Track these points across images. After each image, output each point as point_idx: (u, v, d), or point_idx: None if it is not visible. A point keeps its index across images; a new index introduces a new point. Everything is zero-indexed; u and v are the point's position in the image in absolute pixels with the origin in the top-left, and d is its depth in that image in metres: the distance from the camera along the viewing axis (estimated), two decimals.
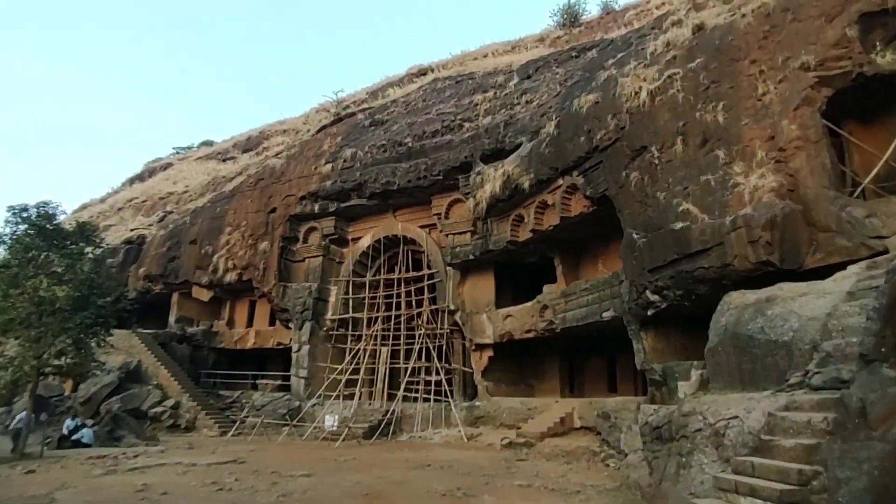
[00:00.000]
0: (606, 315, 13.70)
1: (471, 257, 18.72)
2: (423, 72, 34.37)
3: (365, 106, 29.02)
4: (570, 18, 28.97)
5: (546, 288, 17.28)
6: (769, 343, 7.29)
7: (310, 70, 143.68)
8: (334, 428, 18.56)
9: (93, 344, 13.99)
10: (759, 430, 6.16)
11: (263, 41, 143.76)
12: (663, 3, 25.27)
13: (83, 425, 15.89)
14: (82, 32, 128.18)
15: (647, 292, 11.44)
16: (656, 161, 11.42)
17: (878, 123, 9.84)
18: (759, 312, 7.76)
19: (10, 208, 13.18)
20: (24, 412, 14.60)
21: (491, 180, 16.48)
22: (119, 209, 41.06)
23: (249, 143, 49.38)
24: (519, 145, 16.84)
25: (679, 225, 10.46)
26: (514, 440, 14.97)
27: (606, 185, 12.90)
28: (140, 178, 55.08)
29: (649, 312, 11.80)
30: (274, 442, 16.77)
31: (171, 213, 34.79)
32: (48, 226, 13.46)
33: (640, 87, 12.08)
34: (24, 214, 13.35)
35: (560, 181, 14.80)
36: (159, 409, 20.33)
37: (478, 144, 18.30)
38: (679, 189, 10.71)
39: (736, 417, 6.70)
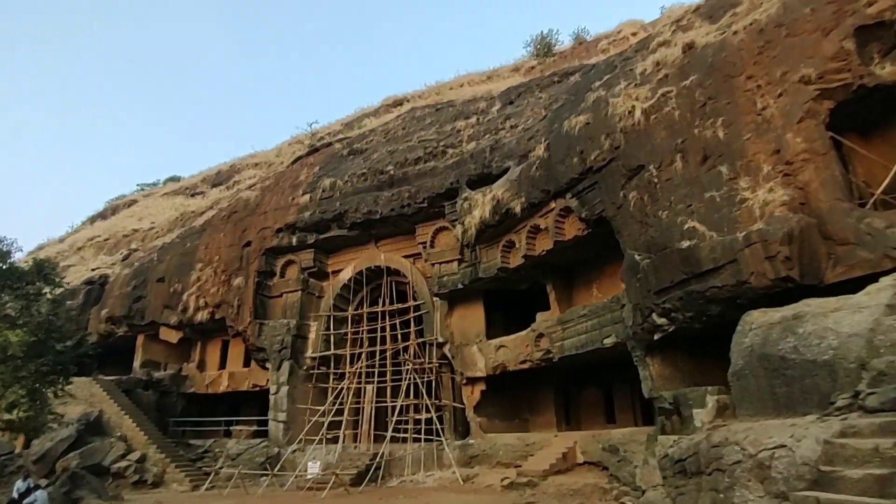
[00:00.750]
0: (608, 342, 13.18)
1: (459, 286, 18.11)
2: (398, 102, 34.37)
3: (341, 136, 28.55)
4: (544, 48, 29.43)
5: (539, 316, 16.72)
6: (806, 363, 6.84)
7: (281, 103, 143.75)
8: (318, 475, 17.34)
9: (49, 394, 12.69)
10: (815, 460, 5.62)
11: (231, 74, 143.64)
12: (635, 33, 26.02)
13: (36, 486, 14.27)
14: (34, 58, 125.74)
15: (654, 315, 10.99)
16: (655, 180, 11.16)
17: (878, 136, 9.80)
18: (789, 331, 7.34)
19: None
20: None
21: (480, 205, 16.06)
22: (79, 248, 39.17)
23: (219, 178, 48.32)
24: (506, 170, 16.54)
25: (686, 244, 10.12)
26: (515, 480, 14.11)
27: (603, 207, 12.58)
28: (102, 216, 53.09)
29: (656, 337, 11.33)
30: (253, 495, 15.43)
31: (135, 251, 33.29)
32: (1, 265, 12.31)
33: (633, 106, 11.94)
34: None
35: (552, 204, 14.47)
36: (123, 463, 18.66)
37: (464, 170, 17.95)
38: (682, 207, 10.42)
39: (783, 447, 6.15)
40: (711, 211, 9.97)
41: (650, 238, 11.10)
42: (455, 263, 18.81)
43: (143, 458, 19.05)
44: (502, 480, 14.39)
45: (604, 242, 14.44)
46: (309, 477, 17.40)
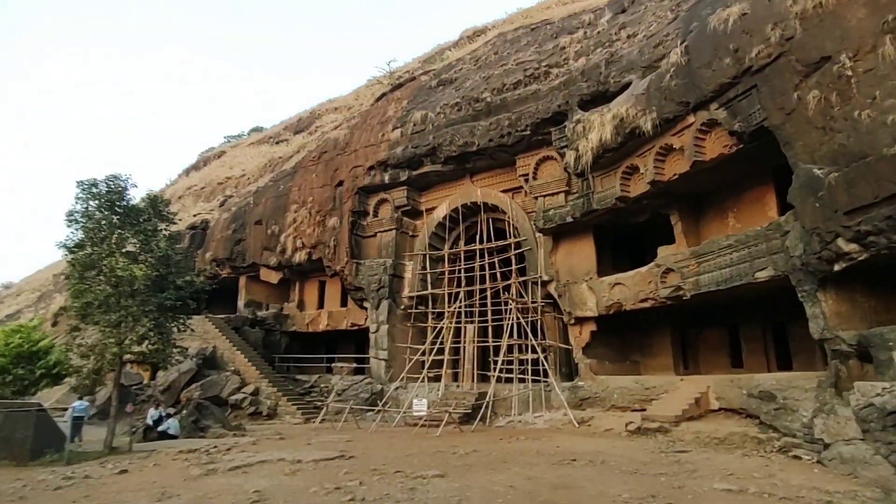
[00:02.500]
0: (761, 275, 11.34)
1: (568, 220, 16.60)
2: (478, 32, 32.08)
3: (425, 70, 27.01)
4: None
5: (662, 250, 14.98)
6: None
7: (354, 47, 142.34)
8: (424, 413, 17.10)
9: (173, 328, 12.84)
10: None
11: (304, 20, 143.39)
12: None
13: (167, 415, 14.99)
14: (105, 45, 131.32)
15: (839, 241, 9.05)
16: (849, 72, 8.90)
17: None
18: None
19: (80, 183, 12.06)
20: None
21: (598, 127, 14.23)
22: (179, 197, 41.09)
23: (301, 125, 48.78)
24: (627, 85, 14.47)
25: None
26: (642, 425, 12.96)
27: (765, 115, 10.45)
28: (195, 167, 55.55)
29: (836, 267, 9.42)
30: (366, 430, 15.44)
31: (230, 197, 34.24)
32: (120, 202, 12.27)
33: None
34: (95, 190, 12.20)
35: (691, 118, 12.40)
36: (239, 395, 19.45)
37: (573, 90, 16.00)
38: (894, 102, 8.19)
39: None
40: None
41: (839, 146, 8.99)
42: (561, 196, 17.29)
43: (256, 391, 19.74)
44: (627, 425, 13.31)
45: (752, 162, 12.35)
46: (416, 414, 17.20)
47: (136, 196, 13.07)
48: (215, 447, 11.53)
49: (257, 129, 61.51)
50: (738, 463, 8.44)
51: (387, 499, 6.42)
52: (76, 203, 12.01)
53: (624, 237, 18.44)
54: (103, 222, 11.91)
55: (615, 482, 7.16)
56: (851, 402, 8.19)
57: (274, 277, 25.39)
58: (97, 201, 12.16)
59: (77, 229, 11.96)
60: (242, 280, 27.13)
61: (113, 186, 12.37)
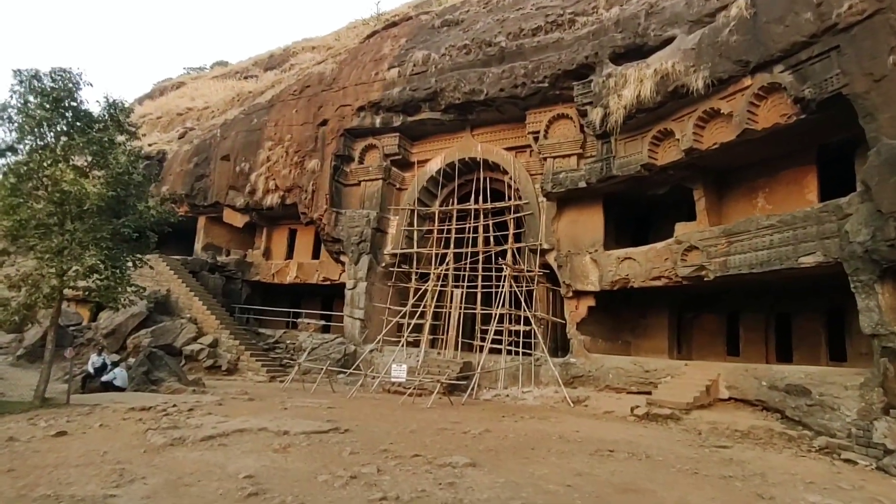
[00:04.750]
0: (807, 260, 10.36)
1: (581, 185, 15.28)
2: None
3: (422, 11, 24.62)
4: None
5: (681, 226, 13.96)
6: None
7: None
8: (403, 379, 15.74)
9: (128, 263, 10.71)
10: None
11: None
12: None
13: (113, 364, 12.93)
14: None
15: None
16: None
17: None
18: None
19: (17, 73, 9.53)
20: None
21: (634, 83, 12.78)
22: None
23: (272, 62, 45.10)
24: (669, 40, 13.00)
25: None
26: (651, 411, 12.04)
27: (846, 80, 9.24)
28: (150, 96, 50.87)
29: None
30: (343, 395, 13.93)
31: (192, 129, 31.00)
32: (69, 102, 9.87)
33: None
34: (36, 84, 9.72)
35: (748, 80, 11.13)
36: (195, 346, 17.44)
37: (605, 41, 14.40)
38: None
39: None
40: None
41: None
42: (573, 159, 15.97)
43: (215, 342, 17.79)
44: (633, 409, 12.37)
45: (797, 139, 11.30)
46: (394, 380, 15.80)
47: (90, 100, 10.72)
48: (174, 406, 9.72)
49: (222, 63, 56.86)
50: (801, 466, 7.48)
51: (424, 497, 4.94)
52: (11, 97, 9.52)
53: (629, 211, 17.38)
54: (46, 124, 9.51)
55: (684, 486, 5.98)
56: None
57: (239, 220, 23.15)
58: (39, 99, 9.71)
59: (11, 130, 9.54)
60: (202, 221, 24.67)
61: (60, 83, 9.92)
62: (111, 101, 10.36)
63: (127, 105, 10.71)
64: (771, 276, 11.79)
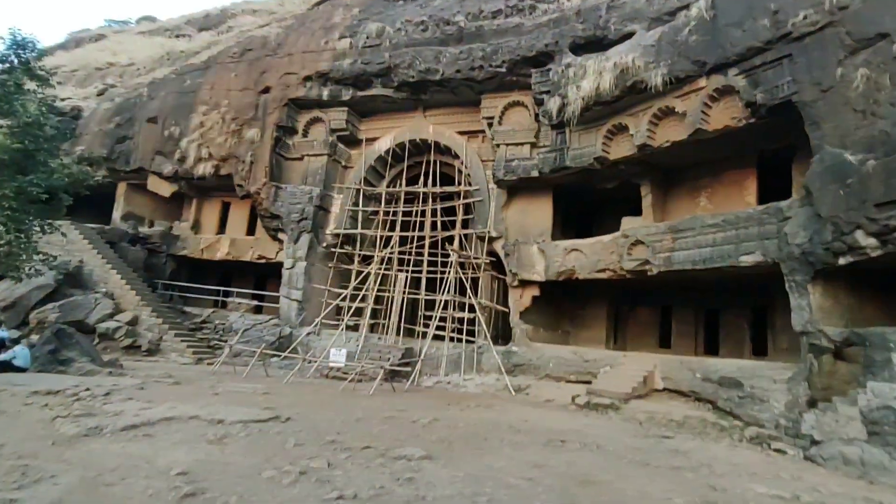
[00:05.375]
0: (747, 259, 10.81)
1: (533, 174, 15.27)
2: None
3: None
4: None
5: (627, 221, 14.24)
6: None
7: None
8: (342, 364, 15.21)
9: (35, 227, 9.41)
10: None
11: None
12: None
13: (13, 341, 11.47)
14: None
15: (858, 233, 8.55)
16: None
17: None
18: None
19: None
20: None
21: (593, 74, 12.76)
22: None
23: (208, 22, 42.05)
24: (629, 34, 13.10)
25: None
26: (591, 400, 12.27)
27: (795, 89, 9.62)
28: (64, 47, 46.00)
29: (842, 261, 9.00)
30: (279, 380, 13.19)
31: (114, 86, 28.29)
32: None
33: None
34: None
35: (703, 82, 11.39)
36: (112, 324, 15.95)
37: (566, 30, 14.33)
38: None
39: None
40: None
41: (880, 133, 8.36)
42: (527, 147, 15.88)
43: (135, 320, 16.35)
44: (574, 398, 12.56)
45: (740, 143, 11.77)
46: (332, 364, 15.24)
47: None
48: (87, 390, 8.69)
49: (149, 18, 52.42)
50: (740, 457, 7.76)
51: (385, 495, 4.56)
52: None
53: (576, 204, 17.63)
54: None
55: (639, 477, 5.99)
56: (860, 402, 7.78)
57: (166, 189, 21.43)
58: None
59: None
60: (122, 187, 22.67)
61: None
62: (19, 38, 8.94)
63: (39, 46, 9.31)
64: (709, 274, 12.22)
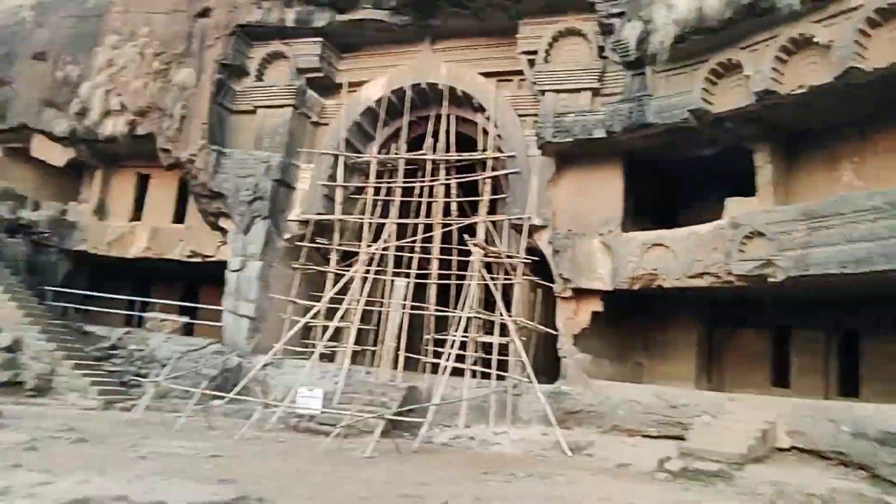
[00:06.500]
0: None
1: (598, 134, 14.88)
2: None
3: None
4: None
5: (735, 203, 13.84)
6: None
7: None
8: (316, 411, 14.77)
9: None
10: None
11: None
12: None
13: None
14: None
15: None
16: None
17: None
18: None
19: None
20: None
21: None
22: None
23: None
24: None
25: None
26: (689, 465, 11.81)
27: None
28: None
29: None
30: (230, 435, 12.73)
31: None
32: None
33: None
34: None
35: None
36: None
37: None
38: None
39: None
40: None
41: None
42: (587, 95, 15.76)
43: (16, 345, 16.03)
44: (662, 462, 12.08)
45: None
46: (303, 411, 14.76)
47: None
48: None
49: None
50: None
51: None
52: None
53: (650, 181, 17.23)
54: None
55: None
56: None
57: (59, 156, 21.65)
58: None
59: None
60: None
61: None
62: None
63: None
64: (858, 280, 11.78)
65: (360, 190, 18.59)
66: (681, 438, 13.00)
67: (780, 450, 12.52)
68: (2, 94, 21.45)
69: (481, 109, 17.41)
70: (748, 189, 14.09)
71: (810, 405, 12.63)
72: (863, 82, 11.43)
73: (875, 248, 11.04)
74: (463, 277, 16.58)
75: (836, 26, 11.35)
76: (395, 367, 16.63)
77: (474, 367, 15.83)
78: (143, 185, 21.89)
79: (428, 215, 17.73)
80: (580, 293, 15.56)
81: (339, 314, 17.00)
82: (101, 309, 20.93)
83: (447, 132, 17.97)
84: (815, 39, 11.60)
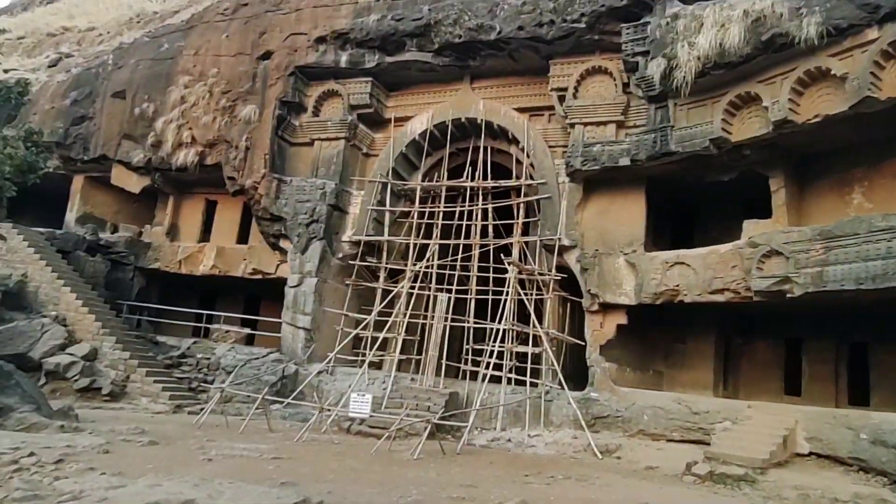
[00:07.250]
0: None
1: (623, 162, 14.75)
2: None
3: None
4: None
5: (753, 225, 13.61)
6: None
7: None
8: (366, 415, 14.60)
9: None
10: None
11: None
12: None
13: None
14: None
15: None
16: None
17: None
18: None
19: None
20: None
21: (713, 27, 12.22)
22: None
23: None
24: None
25: None
26: (715, 469, 11.41)
27: None
28: (8, 11, 47.20)
29: None
30: (289, 437, 12.77)
31: (70, 56, 28.77)
32: None
33: None
34: None
35: (872, 33, 10.78)
36: (63, 358, 15.76)
37: None
38: None
39: None
40: None
41: None
42: (612, 127, 15.62)
43: (93, 353, 16.23)
44: (690, 466, 11.70)
45: None
46: (354, 415, 14.61)
47: None
48: (31, 454, 8.03)
49: None
50: None
51: None
52: None
53: (670, 204, 17.09)
54: None
55: None
56: None
57: (135, 184, 21.71)
58: None
59: None
60: (79, 181, 23.04)
61: None
62: None
63: None
64: (876, 296, 11.42)
65: (406, 214, 18.54)
66: (702, 443, 12.83)
67: (800, 455, 12.19)
68: (86, 129, 21.73)
69: (515, 141, 17.32)
70: (759, 210, 13.95)
71: (828, 412, 12.38)
72: (875, 111, 11.20)
73: (891, 265, 10.76)
74: (499, 293, 16.39)
75: (851, 59, 11.18)
76: (437, 375, 16.53)
77: (510, 375, 15.66)
78: (210, 209, 21.98)
79: (467, 237, 17.59)
80: (606, 307, 15.39)
81: (386, 326, 17.03)
82: (171, 321, 21.04)
83: (484, 162, 17.85)
84: (831, 71, 11.40)
